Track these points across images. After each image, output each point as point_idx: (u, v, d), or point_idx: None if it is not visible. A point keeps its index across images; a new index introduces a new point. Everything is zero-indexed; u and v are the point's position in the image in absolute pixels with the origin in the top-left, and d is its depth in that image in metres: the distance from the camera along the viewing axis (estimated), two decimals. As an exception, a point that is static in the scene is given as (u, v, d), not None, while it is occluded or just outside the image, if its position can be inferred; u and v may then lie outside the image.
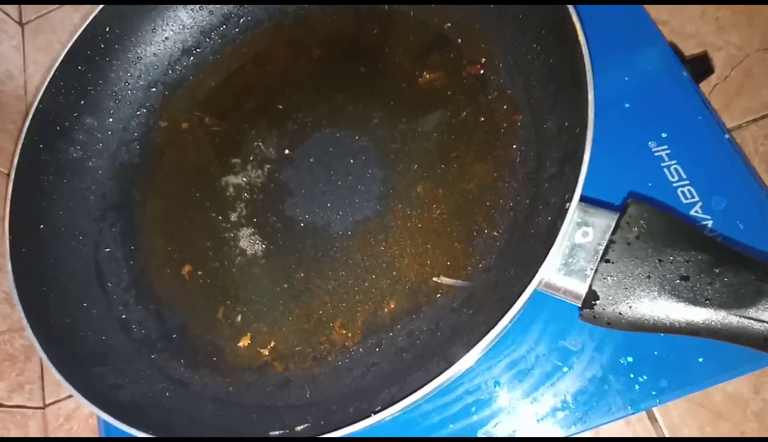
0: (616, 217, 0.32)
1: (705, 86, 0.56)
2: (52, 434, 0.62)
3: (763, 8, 0.57)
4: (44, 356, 0.39)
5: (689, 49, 0.57)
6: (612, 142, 0.44)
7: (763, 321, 0.25)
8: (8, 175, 0.66)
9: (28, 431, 0.61)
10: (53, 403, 0.63)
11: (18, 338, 0.64)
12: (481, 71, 0.45)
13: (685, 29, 0.59)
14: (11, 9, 0.83)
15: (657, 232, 0.29)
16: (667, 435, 0.44)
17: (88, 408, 0.37)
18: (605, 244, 0.31)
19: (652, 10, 0.60)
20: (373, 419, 0.33)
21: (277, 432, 0.35)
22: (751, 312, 0.25)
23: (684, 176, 0.42)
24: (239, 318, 0.44)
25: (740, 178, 0.42)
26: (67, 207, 0.47)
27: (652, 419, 0.45)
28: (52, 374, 0.65)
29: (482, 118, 0.44)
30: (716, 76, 0.56)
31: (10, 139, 0.72)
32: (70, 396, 0.63)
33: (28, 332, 0.40)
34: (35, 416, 0.62)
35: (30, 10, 0.84)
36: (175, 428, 0.36)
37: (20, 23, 0.84)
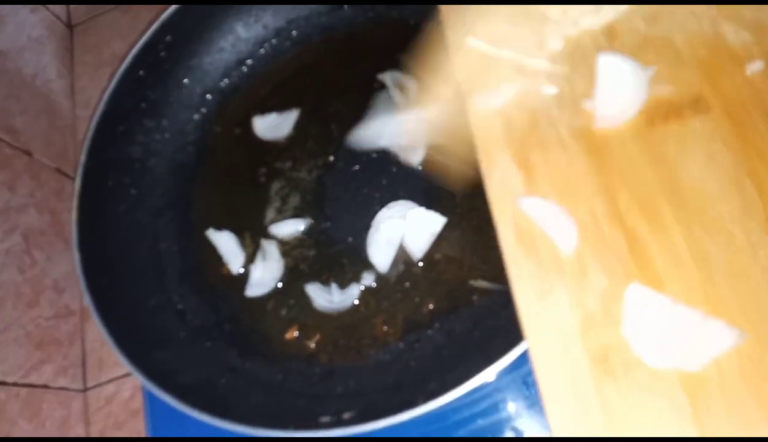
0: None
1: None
2: (92, 416, 0.65)
3: None
4: (110, 340, 0.42)
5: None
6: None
7: None
8: (58, 170, 0.69)
9: (71, 412, 0.64)
10: (94, 387, 0.66)
11: (63, 324, 0.67)
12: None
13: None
14: (59, 8, 0.87)
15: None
16: None
17: (150, 388, 0.40)
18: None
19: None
20: (417, 411, 0.36)
21: (326, 418, 0.38)
22: None
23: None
24: (286, 311, 0.47)
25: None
26: (128, 202, 0.51)
27: None
28: (96, 358, 0.68)
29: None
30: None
31: (61, 135, 0.76)
32: (110, 380, 0.66)
33: (95, 315, 0.43)
34: (77, 398, 0.65)
35: (78, 12, 0.88)
36: (229, 410, 0.39)
37: (69, 25, 0.87)
